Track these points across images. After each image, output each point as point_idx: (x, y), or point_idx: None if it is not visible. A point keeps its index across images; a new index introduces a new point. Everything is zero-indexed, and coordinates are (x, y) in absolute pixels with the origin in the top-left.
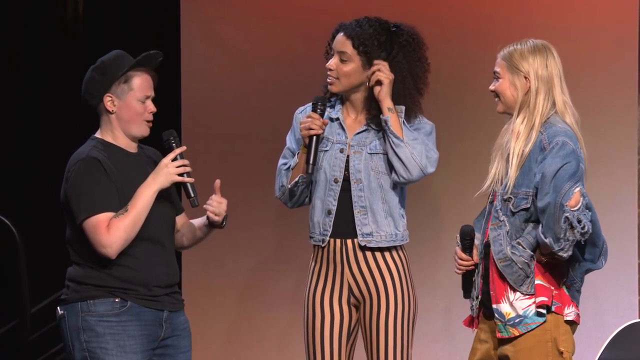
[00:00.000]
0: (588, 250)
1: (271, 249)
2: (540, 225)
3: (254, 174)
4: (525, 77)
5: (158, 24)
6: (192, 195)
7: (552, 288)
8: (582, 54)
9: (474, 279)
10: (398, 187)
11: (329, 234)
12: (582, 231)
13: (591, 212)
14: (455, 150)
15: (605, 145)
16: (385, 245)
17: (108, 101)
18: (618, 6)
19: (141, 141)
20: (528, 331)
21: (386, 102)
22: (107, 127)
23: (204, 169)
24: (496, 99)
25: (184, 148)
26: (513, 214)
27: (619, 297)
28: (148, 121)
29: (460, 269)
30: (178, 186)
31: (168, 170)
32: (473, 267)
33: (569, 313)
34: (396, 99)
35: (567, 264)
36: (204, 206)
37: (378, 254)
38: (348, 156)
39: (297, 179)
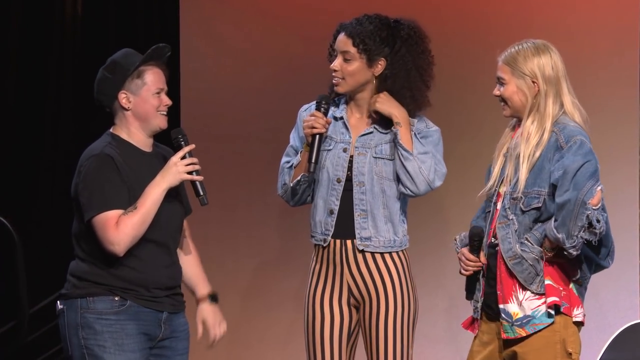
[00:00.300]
0: (599, 249)
1: (271, 249)
2: (553, 220)
3: (254, 174)
4: (533, 81)
5: (157, 23)
6: (202, 193)
7: (561, 288)
8: (583, 53)
9: (478, 280)
10: (400, 193)
11: (330, 233)
12: (598, 231)
13: (605, 213)
14: (456, 150)
15: (606, 145)
16: (382, 250)
17: (123, 98)
18: (618, 5)
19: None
20: (535, 332)
21: (394, 115)
22: (123, 124)
23: (204, 168)
24: (502, 104)
25: (192, 146)
26: (523, 212)
27: (620, 298)
28: (163, 114)
29: (467, 270)
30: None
31: (177, 169)
32: (480, 268)
33: (578, 314)
34: (403, 93)
35: (578, 262)
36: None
37: (378, 256)
38: (352, 156)
39: (299, 178)
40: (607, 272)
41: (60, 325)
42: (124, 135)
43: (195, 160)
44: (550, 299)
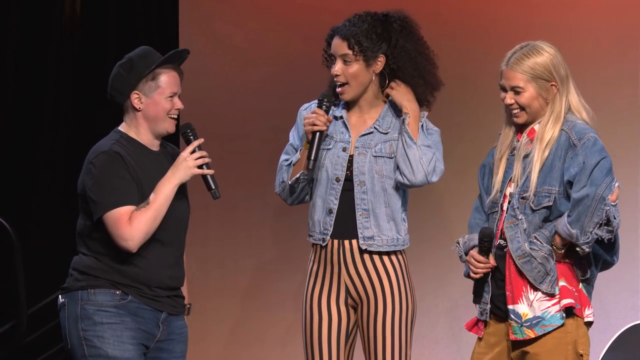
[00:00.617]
0: (609, 246)
1: (271, 249)
2: (567, 216)
3: (253, 174)
4: (552, 84)
5: (157, 22)
6: (213, 187)
7: (574, 289)
8: (585, 53)
9: (486, 282)
10: (401, 190)
11: (329, 233)
12: (614, 228)
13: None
14: (457, 150)
15: (607, 145)
16: (386, 249)
17: (135, 98)
18: (620, 4)
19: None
20: (545, 333)
21: (404, 107)
22: (132, 123)
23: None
24: (516, 111)
25: (201, 140)
26: (533, 211)
27: (622, 299)
28: (173, 117)
29: (478, 273)
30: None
31: (187, 164)
32: (490, 270)
33: (589, 314)
34: (416, 81)
35: (588, 261)
36: None
37: (376, 257)
38: (351, 156)
39: (298, 176)
40: (609, 273)
41: (62, 318)
42: (132, 134)
43: (204, 153)
44: (566, 301)
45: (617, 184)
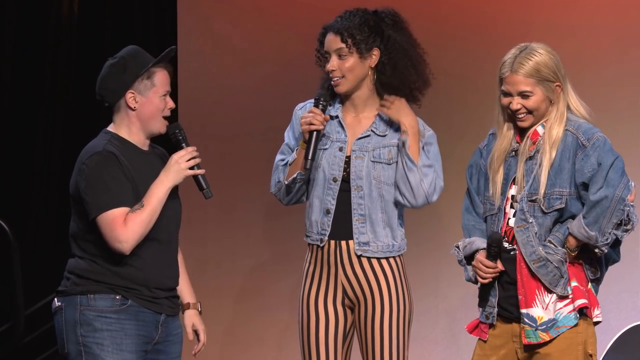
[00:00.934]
0: (615, 244)
1: (269, 249)
2: (582, 218)
3: (252, 174)
4: (557, 85)
5: (155, 21)
6: (205, 187)
7: (584, 289)
8: (586, 52)
9: (492, 286)
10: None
11: (327, 233)
12: (632, 227)
13: None
14: (456, 150)
15: None
16: (381, 255)
17: (130, 97)
18: (622, 3)
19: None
20: (558, 335)
21: (403, 124)
22: (124, 122)
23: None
24: (523, 115)
25: (194, 148)
26: (544, 214)
27: (623, 299)
28: (165, 117)
29: (487, 278)
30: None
31: (179, 166)
32: (498, 274)
33: (598, 315)
34: (409, 71)
35: (598, 262)
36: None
37: (374, 260)
38: (348, 156)
39: (294, 176)
40: (610, 273)
41: (57, 322)
42: (123, 134)
43: (196, 154)
44: (580, 302)
45: (633, 184)
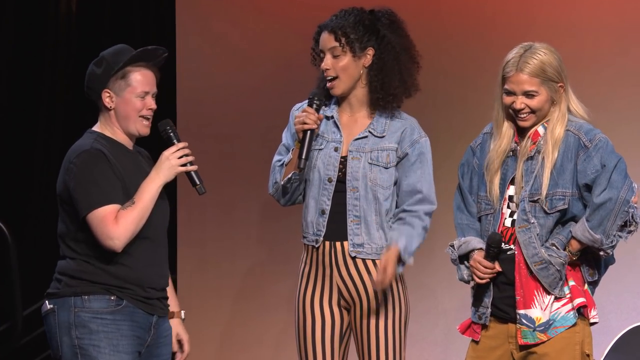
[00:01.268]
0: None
1: (268, 250)
2: (586, 221)
3: (252, 174)
4: (560, 85)
5: (153, 21)
6: (198, 182)
7: (582, 289)
8: (586, 52)
9: (487, 286)
10: (390, 200)
11: (322, 234)
12: (636, 229)
13: None
14: (456, 150)
15: None
16: (375, 257)
17: (106, 97)
18: (622, 3)
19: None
20: (556, 334)
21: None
22: (107, 122)
23: (200, 168)
24: (525, 115)
25: (185, 144)
26: (546, 214)
27: (624, 300)
28: (146, 118)
29: (484, 278)
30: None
31: (170, 163)
32: (495, 275)
33: (594, 316)
34: (392, 76)
35: (596, 263)
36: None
37: (368, 261)
38: (344, 157)
39: (290, 176)
40: (610, 274)
41: (49, 325)
42: (108, 133)
43: (187, 150)
44: (579, 301)
45: (636, 185)
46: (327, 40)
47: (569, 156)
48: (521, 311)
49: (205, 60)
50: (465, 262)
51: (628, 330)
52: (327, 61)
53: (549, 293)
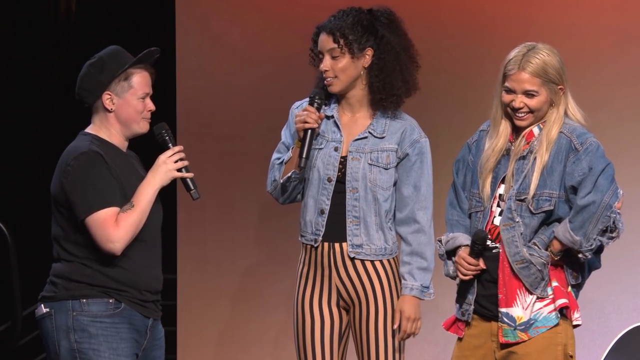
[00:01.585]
0: (598, 252)
1: (268, 250)
2: (568, 222)
3: (251, 173)
4: (560, 88)
5: (153, 20)
6: (192, 188)
7: (565, 291)
8: (586, 52)
9: (471, 283)
10: (390, 201)
11: (321, 234)
12: (617, 235)
13: None
14: (456, 150)
15: (610, 145)
16: (374, 258)
17: (107, 99)
18: (622, 3)
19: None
20: (537, 334)
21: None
22: (103, 124)
23: (200, 168)
24: (523, 115)
25: (181, 147)
26: (532, 214)
27: (624, 300)
28: (147, 119)
29: (467, 275)
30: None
31: (167, 167)
32: (479, 272)
33: (577, 318)
34: (395, 76)
35: (579, 266)
36: None
37: (367, 262)
38: (344, 157)
39: (289, 174)
40: (610, 274)
41: (46, 329)
42: (103, 135)
43: (183, 155)
44: (561, 301)
45: (621, 192)
46: (326, 41)
47: (560, 158)
48: (503, 309)
49: (205, 60)
50: (453, 258)
51: (628, 331)
52: (326, 62)
53: (531, 293)
